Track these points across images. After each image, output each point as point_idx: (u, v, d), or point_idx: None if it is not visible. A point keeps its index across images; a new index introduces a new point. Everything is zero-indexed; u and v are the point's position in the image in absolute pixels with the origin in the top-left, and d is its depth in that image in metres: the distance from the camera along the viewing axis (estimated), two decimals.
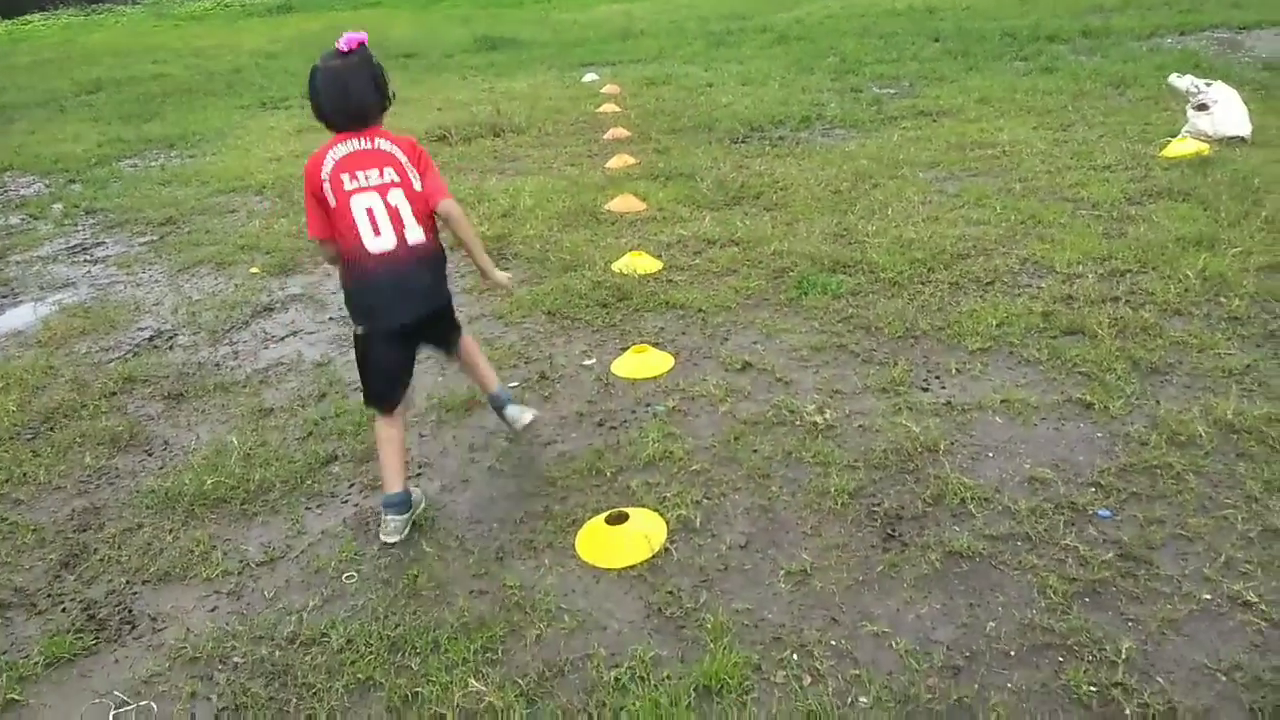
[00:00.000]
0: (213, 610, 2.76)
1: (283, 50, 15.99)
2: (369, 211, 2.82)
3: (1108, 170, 5.94)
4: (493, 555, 2.87)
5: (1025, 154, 6.43)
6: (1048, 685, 2.23)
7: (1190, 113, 6.38)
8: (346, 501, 3.23)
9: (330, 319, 4.79)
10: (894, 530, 2.81)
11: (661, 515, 2.95)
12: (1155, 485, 2.91)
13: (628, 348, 4.06)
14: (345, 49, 2.82)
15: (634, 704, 2.25)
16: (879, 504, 2.94)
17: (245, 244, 6.02)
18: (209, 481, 3.33)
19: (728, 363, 3.90)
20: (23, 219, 7.20)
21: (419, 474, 3.34)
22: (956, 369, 3.70)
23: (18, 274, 5.93)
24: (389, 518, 2.98)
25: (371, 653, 2.50)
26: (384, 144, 2.87)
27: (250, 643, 2.59)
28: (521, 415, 3.40)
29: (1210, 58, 9.19)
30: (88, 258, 6.16)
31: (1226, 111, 6.23)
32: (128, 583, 2.91)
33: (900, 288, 4.47)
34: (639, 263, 4.96)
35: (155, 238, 6.44)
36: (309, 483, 3.34)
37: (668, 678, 2.33)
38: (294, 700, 2.38)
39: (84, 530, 3.20)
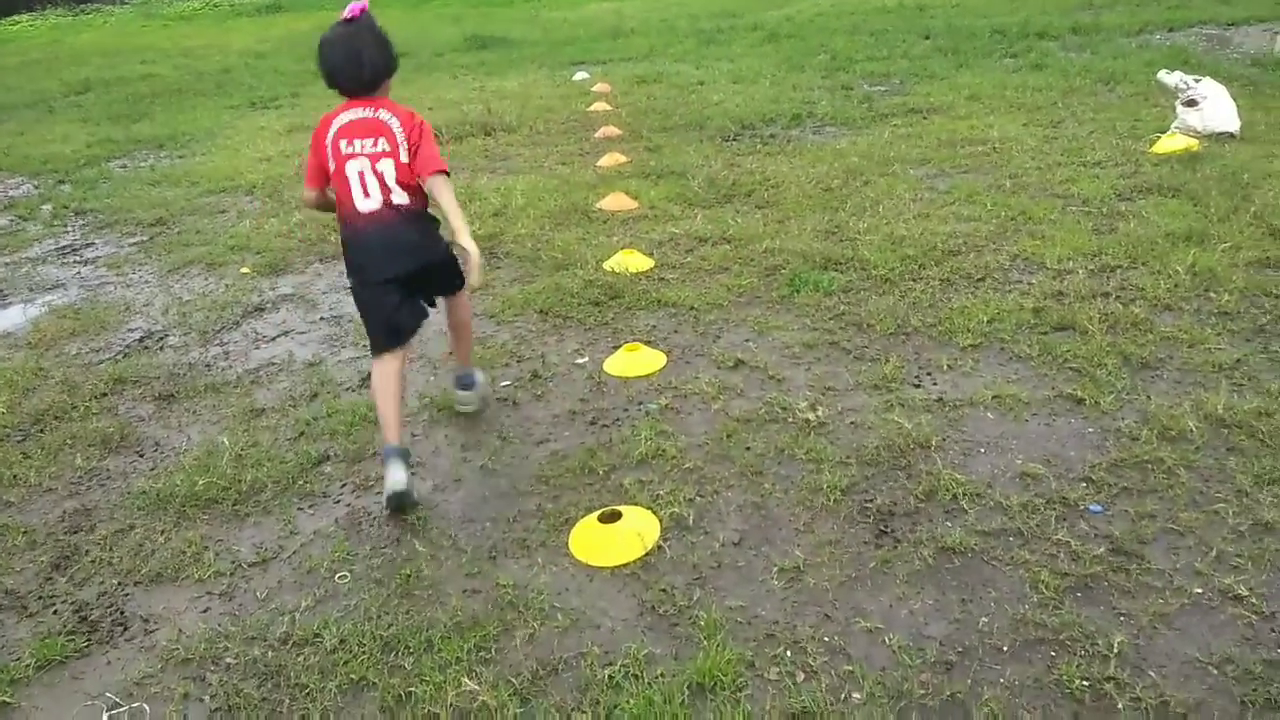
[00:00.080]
0: (205, 611, 2.75)
1: (272, 50, 15.93)
2: (360, 175, 3.05)
3: (1097, 166, 5.96)
4: (486, 554, 2.87)
5: (1015, 151, 6.45)
6: (1040, 680, 2.24)
7: (1179, 109, 6.41)
8: (339, 501, 3.22)
9: (321, 319, 4.78)
10: (886, 526, 2.82)
11: (654, 513, 2.95)
12: (1146, 480, 2.92)
13: (620, 346, 4.06)
14: (350, 16, 3.05)
15: (628, 702, 2.25)
16: (871, 500, 2.94)
17: (235, 244, 6.00)
18: (200, 482, 3.32)
19: (720, 360, 3.90)
20: (11, 220, 7.17)
21: (412, 473, 3.33)
22: (948, 365, 3.71)
23: (7, 275, 5.90)
24: (391, 467, 3.04)
25: (365, 653, 2.49)
26: (383, 114, 3.08)
27: (243, 643, 2.59)
28: (466, 404, 3.64)
29: (1199, 54, 9.23)
30: (77, 259, 6.13)
31: (1215, 107, 6.26)
32: (119, 584, 2.90)
33: (892, 284, 4.47)
34: (631, 261, 4.96)
35: (145, 238, 6.42)
36: (301, 483, 3.33)
37: (661, 675, 2.33)
38: (287, 701, 2.38)
39: (75, 532, 3.19)
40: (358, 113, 3.08)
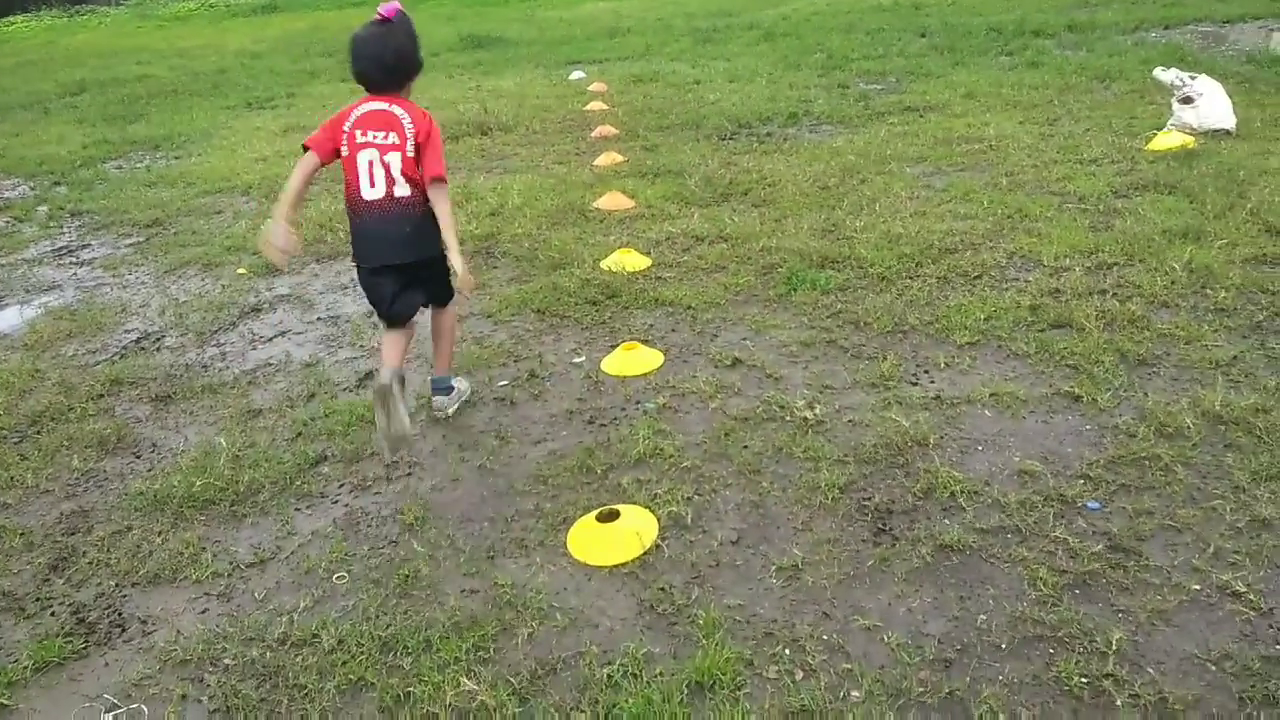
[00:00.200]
0: (203, 612, 2.75)
1: (267, 50, 15.92)
2: (369, 165, 3.24)
3: (1094, 164, 5.96)
4: (484, 554, 2.87)
5: (1012, 148, 6.46)
6: (1039, 677, 2.24)
7: (1175, 106, 6.41)
8: (336, 502, 3.22)
9: (318, 319, 4.77)
10: (884, 524, 2.82)
11: (652, 512, 2.95)
12: (1144, 477, 2.93)
13: (617, 345, 4.06)
14: (386, 15, 3.24)
15: (626, 701, 2.25)
16: (869, 498, 2.94)
17: (232, 245, 5.99)
18: (198, 483, 3.32)
19: (717, 359, 3.90)
20: (7, 221, 7.16)
21: (409, 474, 3.33)
22: (945, 363, 3.71)
23: (3, 277, 5.89)
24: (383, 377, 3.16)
25: (363, 653, 2.49)
26: (398, 110, 3.28)
27: (241, 644, 2.58)
28: (446, 407, 3.66)
29: (1194, 51, 9.24)
30: (73, 260, 6.12)
31: (1211, 104, 6.26)
32: (117, 586, 2.89)
33: (889, 283, 4.48)
34: (628, 260, 4.96)
35: (141, 239, 6.41)
36: (298, 483, 3.33)
37: (660, 674, 2.33)
38: (285, 702, 2.37)
39: (72, 533, 3.18)
40: (376, 105, 3.29)
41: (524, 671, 2.38)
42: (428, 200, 3.28)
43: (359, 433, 3.60)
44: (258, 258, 5.67)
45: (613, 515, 2.89)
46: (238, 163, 8.19)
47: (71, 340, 4.79)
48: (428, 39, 15.27)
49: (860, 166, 6.35)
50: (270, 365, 4.30)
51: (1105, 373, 3.51)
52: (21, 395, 4.20)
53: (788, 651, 2.38)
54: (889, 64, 10.00)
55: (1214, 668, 2.23)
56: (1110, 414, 3.27)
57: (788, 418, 3.42)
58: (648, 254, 5.09)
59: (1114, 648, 2.29)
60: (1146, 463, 2.98)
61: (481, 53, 13.67)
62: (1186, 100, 6.32)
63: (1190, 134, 6.17)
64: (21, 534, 3.19)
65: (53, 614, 2.80)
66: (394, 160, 3.23)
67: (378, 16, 3.25)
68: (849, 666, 2.32)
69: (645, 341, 4.09)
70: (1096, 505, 2.81)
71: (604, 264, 4.98)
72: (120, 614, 2.77)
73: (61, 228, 6.86)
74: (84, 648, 2.64)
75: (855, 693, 2.24)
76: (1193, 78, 6.44)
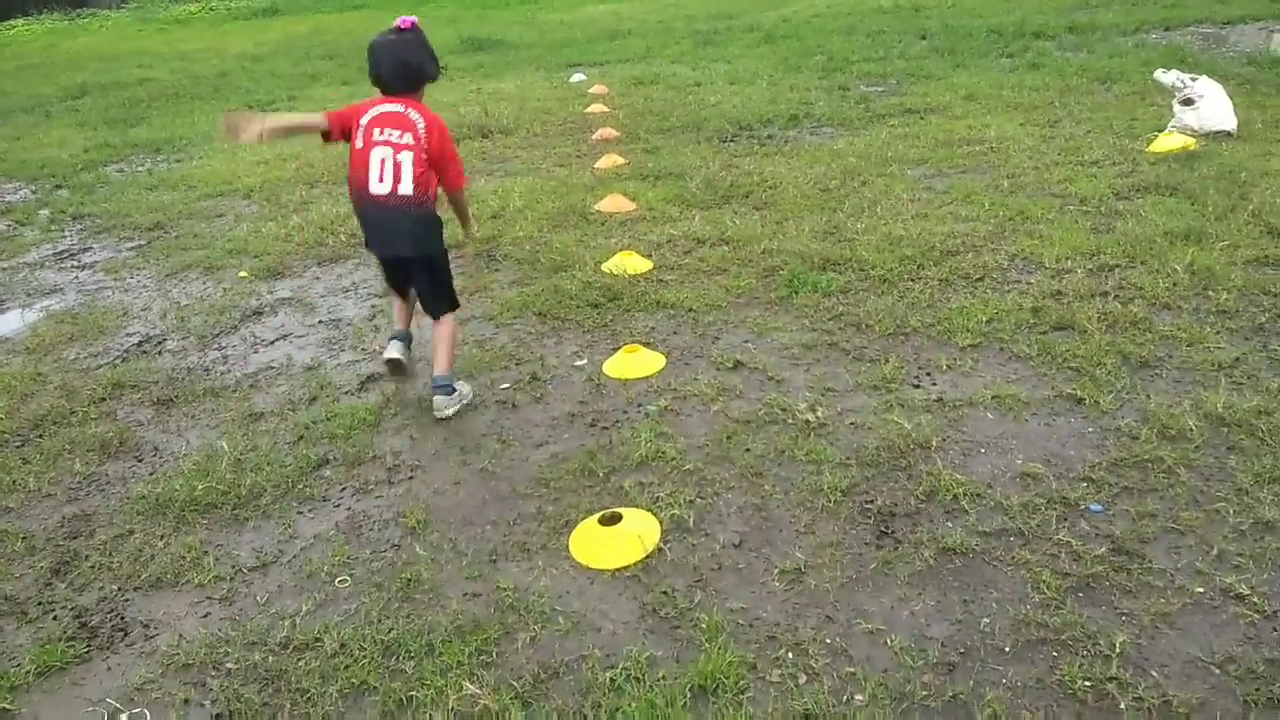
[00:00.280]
0: (205, 616, 2.74)
1: (269, 53, 15.93)
2: (381, 161, 3.45)
3: (1095, 165, 5.96)
4: (486, 557, 2.87)
5: (1013, 150, 6.46)
6: (1043, 680, 2.24)
7: (1176, 107, 6.41)
8: (339, 505, 3.22)
9: (320, 322, 4.77)
10: (887, 527, 2.82)
11: (655, 515, 2.95)
12: (1146, 479, 2.92)
13: (619, 348, 4.06)
14: (404, 26, 3.50)
15: (629, 705, 2.25)
16: (872, 501, 2.94)
17: (233, 248, 5.99)
18: (199, 487, 3.31)
19: (719, 362, 3.90)
20: (9, 225, 7.16)
21: (411, 477, 3.33)
22: (947, 365, 3.71)
23: (4, 280, 5.89)
24: (390, 346, 3.79)
25: (365, 657, 2.49)
26: (412, 113, 3.49)
27: (243, 648, 2.58)
28: (445, 408, 3.69)
29: (1195, 52, 9.24)
30: (75, 263, 6.13)
31: (1212, 106, 6.27)
32: (119, 590, 2.89)
33: (890, 285, 4.47)
34: (629, 263, 4.96)
35: (143, 243, 6.41)
36: (300, 487, 3.33)
37: (663, 678, 2.33)
38: (288, 706, 2.37)
39: (74, 537, 3.18)
40: (393, 107, 3.49)
41: (526, 675, 2.38)
42: (428, 200, 3.53)
43: (361, 436, 3.60)
44: (259, 261, 5.69)
45: (615, 518, 2.88)
46: (239, 166, 8.19)
47: (73, 344, 4.79)
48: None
49: (861, 169, 6.35)
50: (272, 368, 4.30)
51: (1107, 375, 3.50)
52: (23, 399, 4.20)
53: (791, 655, 2.38)
54: (890, 66, 10.00)
55: (1218, 671, 2.22)
56: (1112, 416, 3.27)
57: (790, 420, 3.42)
58: (649, 257, 5.09)
59: (1118, 651, 2.28)
60: (1149, 465, 2.98)
61: (482, 55, 13.68)
62: (1187, 102, 6.32)
63: (1191, 136, 6.17)
64: (23, 538, 3.19)
65: (55, 618, 2.80)
66: (406, 160, 3.44)
67: (396, 26, 3.50)
68: (852, 670, 2.32)
69: (647, 344, 4.09)
70: (1099, 508, 2.81)
71: (605, 267, 4.98)
72: (122, 618, 2.77)
73: (63, 231, 6.87)
74: (86, 652, 2.64)
75: (859, 696, 2.24)
76: (1194, 79, 6.44)
